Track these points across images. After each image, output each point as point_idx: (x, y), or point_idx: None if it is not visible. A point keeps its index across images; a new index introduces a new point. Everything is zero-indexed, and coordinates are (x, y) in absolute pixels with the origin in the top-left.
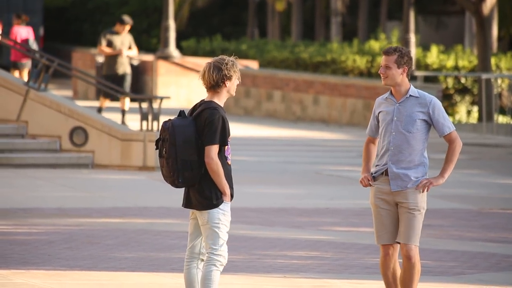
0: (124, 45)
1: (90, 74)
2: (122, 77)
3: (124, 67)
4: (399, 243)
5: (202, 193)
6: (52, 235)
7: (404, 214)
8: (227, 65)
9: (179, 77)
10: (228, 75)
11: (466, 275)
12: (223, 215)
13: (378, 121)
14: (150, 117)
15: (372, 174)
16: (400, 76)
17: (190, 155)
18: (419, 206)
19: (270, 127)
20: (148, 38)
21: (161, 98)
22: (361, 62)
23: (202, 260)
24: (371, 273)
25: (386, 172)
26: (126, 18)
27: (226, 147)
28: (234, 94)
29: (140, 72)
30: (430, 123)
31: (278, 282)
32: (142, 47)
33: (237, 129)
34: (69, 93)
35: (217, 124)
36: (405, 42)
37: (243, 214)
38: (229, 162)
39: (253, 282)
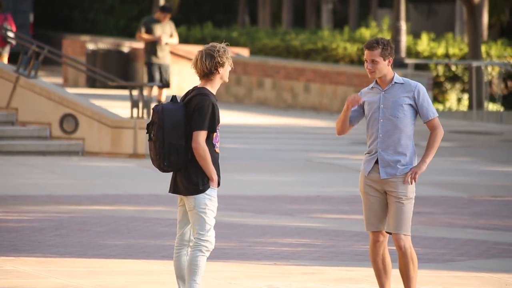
0: (165, 33)
1: (81, 61)
2: (162, 66)
3: (164, 55)
4: (390, 233)
5: (189, 179)
6: (43, 222)
7: (393, 203)
8: (219, 52)
9: (170, 65)
10: (221, 62)
11: (456, 262)
12: (209, 200)
13: (360, 109)
14: (140, 105)
15: (364, 165)
16: (386, 67)
17: (178, 139)
18: (408, 195)
19: (261, 115)
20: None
21: (152, 85)
22: (352, 49)
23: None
24: (362, 260)
25: (376, 161)
26: (167, 6)
27: (215, 134)
28: (227, 80)
29: (130, 59)
30: (415, 109)
31: (269, 269)
32: (133, 34)
33: (228, 117)
34: (59, 80)
35: (207, 110)
36: (396, 30)
37: (234, 201)
38: (217, 149)
39: (244, 269)
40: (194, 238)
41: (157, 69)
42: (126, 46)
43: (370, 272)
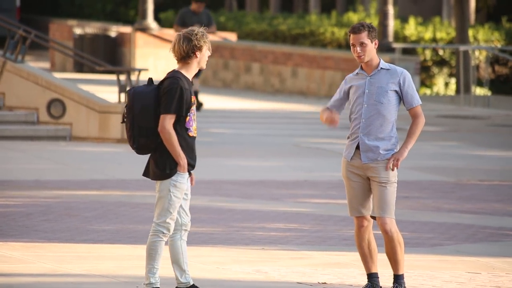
0: (202, 25)
1: (68, 46)
2: None
3: None
4: (375, 218)
5: (157, 163)
6: (30, 207)
7: (376, 188)
8: (196, 35)
9: (157, 49)
10: (198, 45)
11: (443, 246)
12: (174, 186)
13: (344, 96)
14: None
15: (346, 152)
16: (373, 50)
17: (147, 122)
18: (390, 179)
19: (248, 100)
20: (126, 10)
21: (139, 70)
22: (339, 34)
23: (186, 230)
24: (349, 244)
25: (357, 146)
26: None
27: (188, 118)
28: (204, 66)
29: (118, 44)
30: (400, 95)
31: (257, 254)
32: (120, 19)
33: (215, 102)
34: (46, 65)
35: (174, 94)
36: (383, 14)
37: (221, 186)
38: (191, 133)
39: (232, 254)
40: (154, 223)
41: None
42: (113, 30)
43: (357, 256)
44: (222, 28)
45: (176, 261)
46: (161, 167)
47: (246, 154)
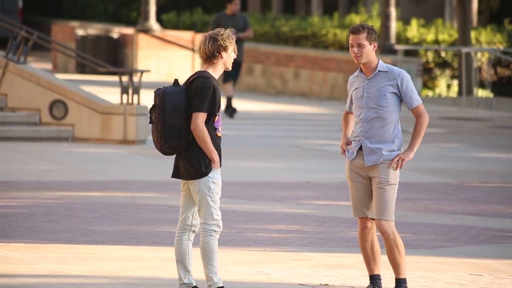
0: (237, 28)
1: (70, 47)
2: (234, 63)
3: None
4: (373, 219)
5: (190, 162)
6: (32, 208)
7: (375, 189)
8: (222, 35)
9: (159, 51)
10: (223, 45)
11: (445, 248)
12: (213, 183)
13: (352, 99)
14: (130, 91)
15: (347, 147)
16: (372, 52)
17: (178, 121)
18: (390, 181)
19: (250, 101)
20: (128, 11)
21: (142, 72)
22: (341, 36)
23: (194, 231)
24: (351, 246)
25: (360, 147)
26: None
27: (216, 118)
28: (230, 67)
29: (120, 45)
30: (399, 96)
31: (259, 255)
32: (122, 20)
33: None
34: (48, 66)
35: (207, 93)
36: (386, 15)
37: (223, 188)
38: (219, 133)
39: (234, 255)
40: (202, 223)
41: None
42: (116, 32)
43: (359, 258)
44: None
45: (181, 261)
46: (196, 166)
47: (248, 156)
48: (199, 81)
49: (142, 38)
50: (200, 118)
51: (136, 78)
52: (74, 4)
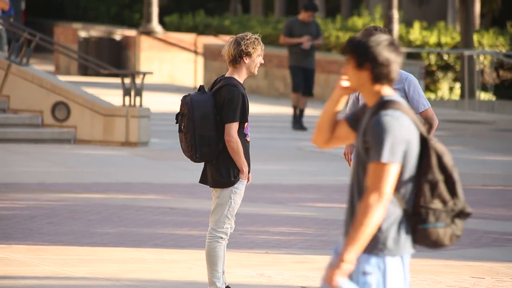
0: (310, 35)
1: (72, 49)
2: (307, 71)
3: (308, 60)
4: None
5: (219, 171)
6: (34, 210)
7: None
8: (247, 41)
9: (162, 53)
10: (245, 51)
11: (448, 251)
12: (234, 193)
13: (357, 101)
14: (132, 93)
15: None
16: None
17: (208, 130)
18: None
19: (252, 103)
20: (131, 13)
21: (144, 74)
22: (344, 38)
23: (226, 234)
24: None
25: None
26: (311, 3)
27: (246, 124)
28: (255, 72)
29: (122, 47)
30: (406, 100)
31: (261, 258)
32: (125, 22)
33: None
34: (51, 68)
35: (237, 102)
36: (388, 18)
37: None
38: (248, 138)
39: (236, 258)
40: (211, 228)
41: (301, 73)
42: (118, 34)
43: None
44: (226, 31)
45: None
46: (225, 175)
47: (250, 158)
48: (227, 90)
49: (145, 40)
50: (233, 129)
51: (138, 80)
52: (77, 6)
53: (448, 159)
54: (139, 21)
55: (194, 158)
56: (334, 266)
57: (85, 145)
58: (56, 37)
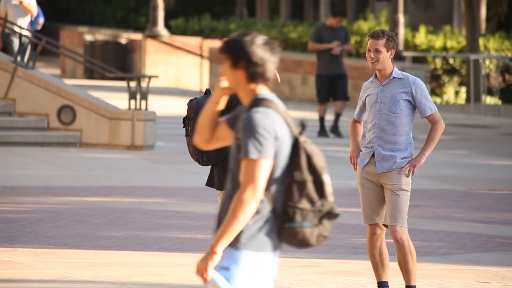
0: (339, 40)
1: (78, 52)
2: (336, 78)
3: (337, 65)
4: (386, 226)
5: (225, 173)
6: (40, 213)
7: (389, 195)
8: None
9: (167, 56)
10: None
11: (453, 255)
12: None
13: (364, 105)
14: (138, 96)
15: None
16: (388, 59)
17: None
18: (403, 187)
19: None
20: (137, 17)
21: (150, 77)
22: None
23: None
24: (359, 253)
25: (373, 154)
26: (339, 8)
27: None
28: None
29: (128, 51)
30: (413, 104)
31: None
32: (131, 26)
33: None
34: (57, 71)
35: None
36: (394, 22)
37: None
38: None
39: None
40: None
41: (326, 82)
42: (124, 37)
43: (367, 265)
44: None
45: None
46: None
47: None
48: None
49: (150, 44)
50: None
51: (144, 84)
52: (83, 10)
53: (318, 160)
54: (145, 24)
55: (201, 161)
56: (206, 258)
57: (90, 149)
58: (62, 41)
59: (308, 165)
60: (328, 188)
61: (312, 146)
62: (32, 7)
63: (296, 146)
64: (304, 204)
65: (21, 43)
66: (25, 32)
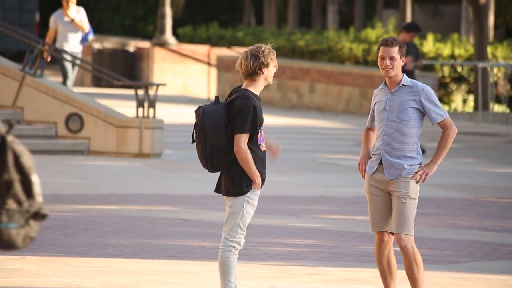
0: (412, 56)
1: (86, 61)
2: None
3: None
4: (393, 234)
5: (232, 180)
6: (47, 221)
7: (395, 203)
8: (263, 52)
9: (175, 64)
10: (265, 63)
11: (461, 263)
12: (247, 203)
13: (373, 114)
14: (146, 104)
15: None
16: (400, 67)
17: (219, 141)
18: (410, 195)
19: (266, 115)
20: (145, 25)
21: (157, 85)
22: (357, 50)
23: (239, 244)
24: (366, 261)
25: (381, 162)
26: (413, 24)
27: (259, 134)
28: (271, 81)
29: (136, 59)
30: (422, 112)
31: (273, 269)
32: (139, 34)
33: None
34: None
35: (248, 113)
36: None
37: None
38: (263, 148)
39: (249, 269)
40: (224, 237)
41: None
42: (132, 45)
43: (374, 273)
44: (240, 43)
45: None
46: (238, 184)
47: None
48: (240, 101)
49: (158, 52)
50: (242, 140)
51: (152, 92)
52: (91, 18)
53: (26, 160)
54: (152, 33)
55: (207, 168)
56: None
57: (98, 157)
58: None
59: (16, 165)
60: (37, 188)
61: (20, 146)
62: (84, 24)
63: (3, 146)
64: (11, 204)
65: (30, 52)
66: (76, 50)
